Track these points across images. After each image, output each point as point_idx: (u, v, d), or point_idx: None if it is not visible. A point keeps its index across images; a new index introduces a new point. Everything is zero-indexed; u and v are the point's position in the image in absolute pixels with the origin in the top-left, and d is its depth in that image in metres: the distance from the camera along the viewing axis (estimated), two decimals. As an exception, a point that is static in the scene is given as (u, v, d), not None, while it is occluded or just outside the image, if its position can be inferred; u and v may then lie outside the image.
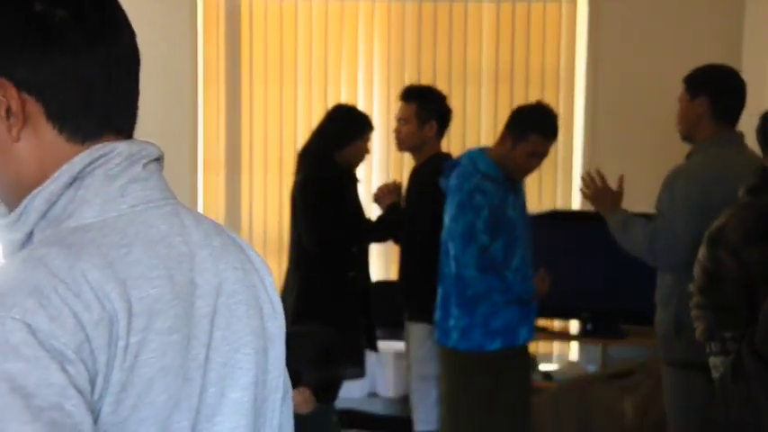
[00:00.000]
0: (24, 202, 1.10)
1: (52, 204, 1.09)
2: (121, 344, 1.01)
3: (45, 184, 1.09)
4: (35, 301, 0.97)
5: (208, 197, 5.47)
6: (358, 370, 4.28)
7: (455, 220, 3.68)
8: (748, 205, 2.83)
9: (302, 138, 4.54)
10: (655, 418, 4.42)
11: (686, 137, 3.59)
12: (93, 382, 0.99)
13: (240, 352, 1.17)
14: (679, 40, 5.20)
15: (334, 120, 4.27)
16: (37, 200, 1.09)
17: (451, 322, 3.76)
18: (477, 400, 3.77)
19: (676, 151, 3.89)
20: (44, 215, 1.10)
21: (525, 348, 3.88)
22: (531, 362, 4.08)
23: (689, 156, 3.58)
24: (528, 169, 3.77)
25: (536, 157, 3.72)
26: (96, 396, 1.00)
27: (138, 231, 1.09)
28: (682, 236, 3.34)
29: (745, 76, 3.62)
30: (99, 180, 1.10)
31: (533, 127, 3.67)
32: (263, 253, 5.45)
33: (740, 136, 3.57)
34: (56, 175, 1.09)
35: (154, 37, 5.35)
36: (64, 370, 0.96)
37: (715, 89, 3.49)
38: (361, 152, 4.28)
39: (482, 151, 3.80)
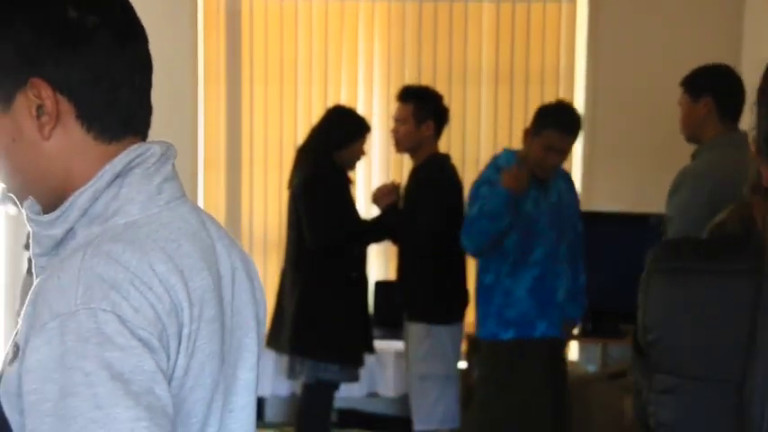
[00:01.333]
0: (69, 199, 1.14)
1: (93, 202, 1.14)
2: (185, 331, 1.10)
3: (90, 183, 1.14)
4: (117, 293, 1.04)
5: (208, 196, 5.47)
6: (353, 372, 4.28)
7: (466, 215, 3.80)
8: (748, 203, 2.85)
9: (302, 137, 4.54)
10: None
11: (691, 138, 3.60)
12: (167, 367, 1.08)
13: (248, 336, 1.27)
14: (679, 39, 5.20)
15: (334, 121, 4.27)
16: (81, 198, 1.13)
17: (477, 311, 3.89)
18: (491, 389, 3.84)
19: (676, 151, 3.89)
20: (85, 212, 1.14)
21: (545, 343, 3.85)
22: (558, 362, 3.99)
23: (694, 155, 3.59)
24: (546, 165, 3.79)
25: (553, 152, 3.76)
26: (168, 380, 1.07)
27: (180, 227, 1.17)
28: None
29: (745, 75, 3.63)
30: (138, 178, 1.16)
31: (547, 121, 3.76)
32: (263, 252, 5.46)
33: (745, 136, 3.58)
34: (99, 174, 1.14)
35: (155, 36, 5.30)
36: (152, 357, 1.03)
37: (718, 88, 3.50)
38: (358, 154, 4.29)
39: (514, 151, 3.91)
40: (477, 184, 3.80)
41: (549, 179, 3.86)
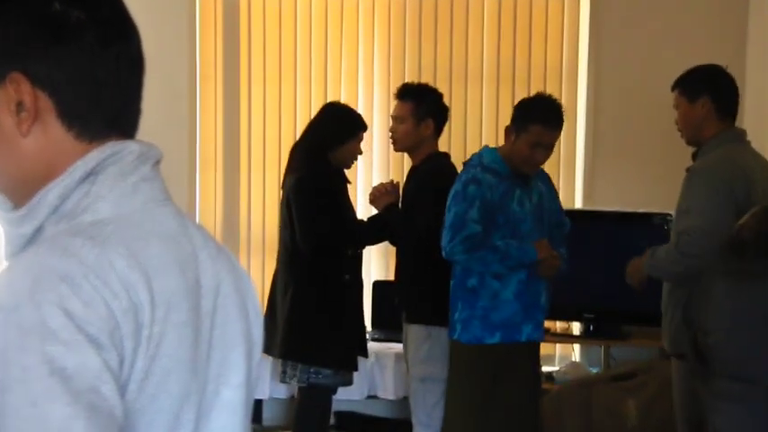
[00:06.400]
0: (37, 196, 1.11)
1: (64, 199, 1.11)
2: (145, 333, 1.05)
3: (59, 180, 1.10)
4: (68, 287, 0.99)
5: (205, 196, 5.42)
6: (347, 376, 4.23)
7: (448, 211, 3.70)
8: None
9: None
10: (658, 419, 4.38)
11: (692, 140, 3.59)
12: (121, 368, 1.02)
13: (234, 352, 1.21)
14: (682, 36, 5.16)
15: (328, 119, 4.21)
16: (50, 195, 1.10)
17: (456, 315, 3.78)
18: (475, 394, 3.76)
19: (680, 150, 3.85)
20: (55, 210, 1.11)
21: (530, 347, 3.82)
22: (536, 362, 3.96)
23: (697, 155, 3.57)
24: (533, 161, 3.72)
25: (540, 148, 3.69)
26: (122, 382, 1.02)
27: (153, 228, 1.13)
28: (711, 232, 3.31)
29: (749, 72, 3.61)
30: (112, 176, 1.12)
31: (533, 117, 3.66)
32: (260, 253, 5.40)
33: (745, 133, 3.59)
34: (70, 170, 1.11)
35: (151, 34, 5.26)
36: (99, 354, 0.98)
37: (714, 87, 3.52)
38: (354, 152, 4.22)
39: (495, 148, 3.82)
40: (464, 183, 3.69)
41: (531, 178, 3.79)
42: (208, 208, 5.40)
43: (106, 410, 0.97)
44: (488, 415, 3.75)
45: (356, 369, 4.23)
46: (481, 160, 3.74)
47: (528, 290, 3.76)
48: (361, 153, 4.27)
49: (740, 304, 1.68)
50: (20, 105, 1.09)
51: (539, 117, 3.65)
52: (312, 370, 4.12)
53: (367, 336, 4.47)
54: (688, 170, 3.55)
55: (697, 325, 1.96)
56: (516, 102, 4.11)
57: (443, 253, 3.71)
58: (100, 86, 1.12)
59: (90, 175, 1.11)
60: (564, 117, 3.75)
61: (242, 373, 1.22)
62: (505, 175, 3.71)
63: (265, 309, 4.27)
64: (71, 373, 0.95)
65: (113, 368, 1.00)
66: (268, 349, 4.18)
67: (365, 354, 4.33)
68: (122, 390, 1.02)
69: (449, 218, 3.69)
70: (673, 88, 3.61)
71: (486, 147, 3.90)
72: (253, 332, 1.27)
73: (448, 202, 3.72)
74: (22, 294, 0.99)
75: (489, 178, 3.68)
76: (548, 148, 3.71)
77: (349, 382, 4.27)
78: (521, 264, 3.69)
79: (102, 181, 1.11)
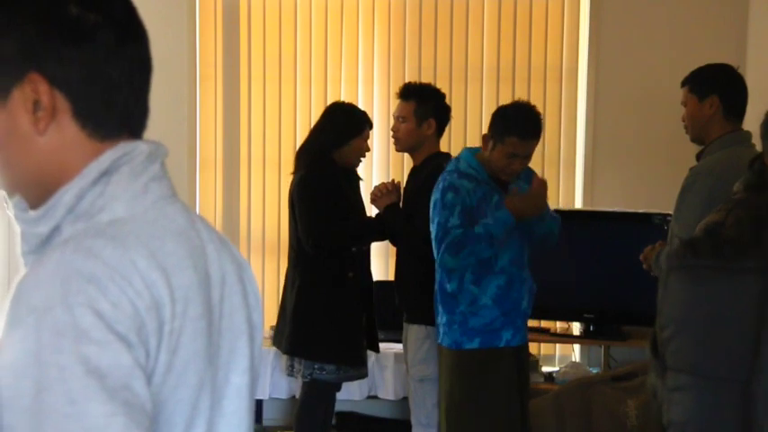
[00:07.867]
0: (54, 197, 1.14)
1: (80, 200, 1.14)
2: (167, 328, 1.09)
3: (75, 181, 1.14)
4: (95, 288, 1.03)
5: (205, 196, 5.42)
6: (360, 371, 4.24)
7: (432, 222, 3.68)
8: (744, 202, 2.82)
9: (301, 136, 4.50)
10: (658, 420, 4.38)
11: (697, 138, 3.56)
12: (147, 363, 1.07)
13: (240, 339, 1.27)
14: (683, 35, 5.15)
15: (333, 118, 4.21)
16: (67, 195, 1.14)
17: (439, 319, 3.78)
18: (458, 398, 3.73)
19: (680, 150, 3.84)
20: (71, 210, 1.14)
21: (512, 352, 3.76)
22: (522, 366, 3.88)
23: (701, 155, 3.55)
24: (510, 170, 3.68)
25: (517, 159, 3.64)
26: (147, 376, 1.07)
27: (166, 225, 1.17)
28: None
29: (749, 73, 3.59)
30: (125, 177, 1.16)
31: (510, 129, 3.60)
32: (261, 252, 5.40)
33: (750, 135, 3.57)
34: (85, 171, 1.14)
35: (152, 34, 5.28)
36: (129, 352, 1.03)
37: (724, 87, 3.48)
38: (361, 151, 4.23)
39: (473, 153, 3.76)
40: (442, 191, 3.65)
41: (510, 181, 3.73)
42: (208, 208, 5.40)
43: (139, 406, 1.01)
44: (470, 419, 3.72)
45: (361, 365, 4.22)
46: (458, 166, 3.69)
47: (508, 295, 3.71)
48: (368, 150, 4.28)
49: (693, 299, 1.70)
50: (36, 104, 1.12)
51: (515, 131, 3.59)
52: (316, 365, 4.14)
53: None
54: (691, 170, 3.54)
55: (656, 320, 1.99)
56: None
57: (437, 265, 3.70)
58: (114, 87, 1.16)
59: (104, 175, 1.15)
60: (542, 126, 3.67)
61: (247, 359, 1.28)
62: (483, 181, 3.67)
63: (279, 307, 4.32)
64: (105, 372, 0.99)
65: (142, 365, 1.05)
66: (278, 345, 4.24)
67: (376, 349, 4.34)
68: (147, 383, 1.06)
69: (433, 230, 3.65)
70: (682, 84, 3.58)
71: (466, 149, 3.83)
72: (253, 317, 1.32)
73: (431, 213, 3.68)
74: (52, 297, 1.02)
75: (466, 184, 3.64)
76: (525, 158, 3.67)
77: (360, 376, 4.29)
78: (507, 231, 3.59)
79: (117, 181, 1.15)
